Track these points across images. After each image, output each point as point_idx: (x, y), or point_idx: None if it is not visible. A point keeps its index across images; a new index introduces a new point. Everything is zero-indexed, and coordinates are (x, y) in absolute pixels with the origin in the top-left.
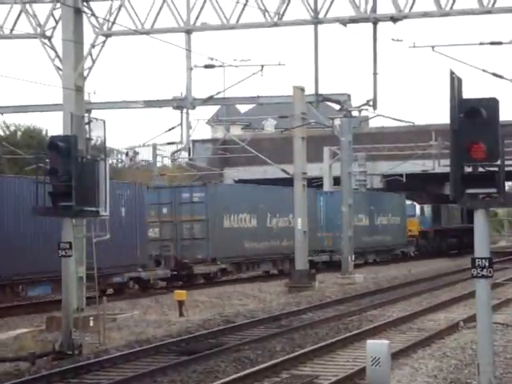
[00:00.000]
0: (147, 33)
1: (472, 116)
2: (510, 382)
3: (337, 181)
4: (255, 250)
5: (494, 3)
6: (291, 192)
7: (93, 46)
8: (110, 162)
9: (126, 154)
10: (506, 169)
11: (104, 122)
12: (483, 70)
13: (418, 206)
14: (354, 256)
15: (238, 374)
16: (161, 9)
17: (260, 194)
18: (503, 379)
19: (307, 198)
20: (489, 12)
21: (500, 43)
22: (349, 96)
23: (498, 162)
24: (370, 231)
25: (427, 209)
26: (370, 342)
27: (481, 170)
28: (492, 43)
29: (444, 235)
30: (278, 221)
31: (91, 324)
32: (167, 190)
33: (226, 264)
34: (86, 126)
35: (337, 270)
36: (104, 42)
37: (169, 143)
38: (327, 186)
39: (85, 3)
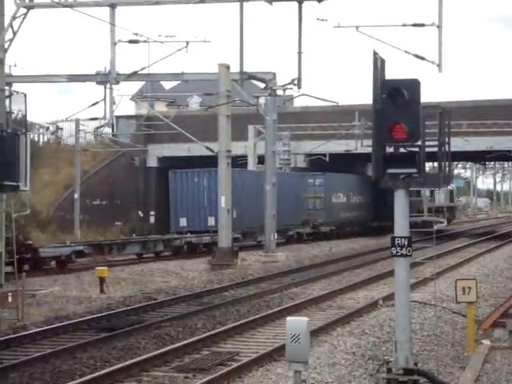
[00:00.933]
0: (70, 6)
1: (394, 97)
2: (427, 358)
3: (261, 159)
4: (346, 218)
5: None
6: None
7: (14, 17)
8: (32, 136)
9: (47, 129)
10: (427, 150)
11: (25, 95)
12: (406, 52)
13: None
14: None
15: (159, 351)
16: None
17: (348, 180)
18: (419, 356)
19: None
20: None
21: (422, 25)
22: (274, 75)
23: (419, 143)
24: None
25: None
26: (289, 319)
27: (402, 150)
28: (415, 25)
29: None
30: (355, 198)
31: (10, 300)
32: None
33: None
34: (7, 100)
35: (260, 248)
36: (26, 14)
37: (92, 119)
38: (251, 164)
39: None
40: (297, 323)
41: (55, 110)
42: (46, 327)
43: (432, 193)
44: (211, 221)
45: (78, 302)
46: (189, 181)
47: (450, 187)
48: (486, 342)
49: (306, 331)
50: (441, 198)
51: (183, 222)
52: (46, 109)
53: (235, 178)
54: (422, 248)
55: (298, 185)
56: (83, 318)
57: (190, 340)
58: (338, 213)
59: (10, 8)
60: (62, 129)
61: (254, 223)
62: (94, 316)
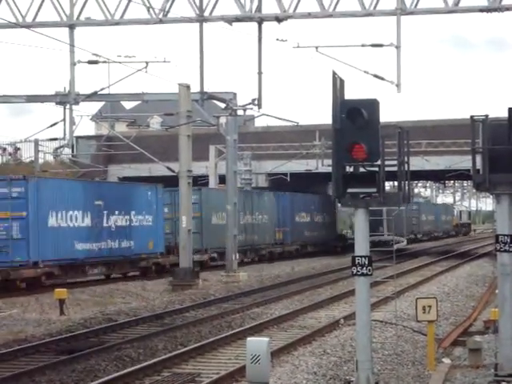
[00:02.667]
0: (28, 26)
1: (353, 116)
2: (388, 377)
3: (222, 179)
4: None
5: (375, 6)
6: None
7: None
8: None
9: (4, 150)
10: (386, 169)
11: None
12: (365, 72)
13: None
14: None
15: (119, 373)
16: (43, 2)
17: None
18: (381, 375)
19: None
20: (370, 15)
21: (381, 45)
22: (234, 95)
23: (379, 163)
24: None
25: None
26: (249, 339)
27: (362, 169)
28: (373, 45)
29: None
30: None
31: None
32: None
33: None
34: None
35: (222, 268)
36: None
37: (51, 139)
38: (212, 184)
39: None
40: (257, 344)
41: (9, 131)
42: (4, 350)
43: (460, 213)
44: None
45: (38, 325)
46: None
47: (467, 209)
48: (447, 361)
49: (267, 352)
50: (465, 216)
51: None
52: (5, 129)
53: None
54: (383, 267)
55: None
56: (42, 341)
57: (150, 361)
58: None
59: None
60: (19, 149)
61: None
62: (54, 338)
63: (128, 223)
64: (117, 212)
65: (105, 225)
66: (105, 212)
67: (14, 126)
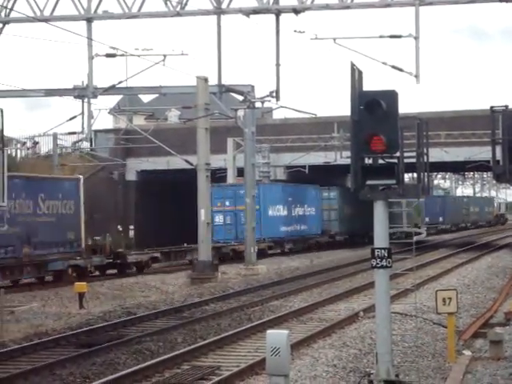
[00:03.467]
0: (46, 20)
1: (372, 108)
2: (408, 370)
3: (240, 172)
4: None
5: None
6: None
7: None
8: (9, 151)
9: (23, 144)
10: (406, 161)
11: (2, 110)
12: (383, 63)
13: None
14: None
15: (139, 366)
16: None
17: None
18: (401, 368)
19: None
20: (388, 5)
21: (399, 36)
22: (252, 87)
23: (398, 154)
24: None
25: None
26: (269, 332)
27: (380, 161)
28: (391, 36)
29: None
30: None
31: None
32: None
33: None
34: None
35: (241, 261)
36: (1, 28)
37: (70, 133)
38: (231, 177)
39: None
40: (277, 336)
41: (25, 125)
42: (24, 344)
43: (500, 205)
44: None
45: (58, 318)
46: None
47: (504, 201)
48: (467, 353)
49: (286, 344)
50: (503, 208)
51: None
52: (15, 124)
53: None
54: (402, 259)
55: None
56: (62, 334)
57: (170, 354)
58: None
59: None
60: (38, 143)
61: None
62: (74, 332)
63: (303, 213)
64: (298, 205)
65: (292, 214)
66: (292, 205)
67: (30, 119)
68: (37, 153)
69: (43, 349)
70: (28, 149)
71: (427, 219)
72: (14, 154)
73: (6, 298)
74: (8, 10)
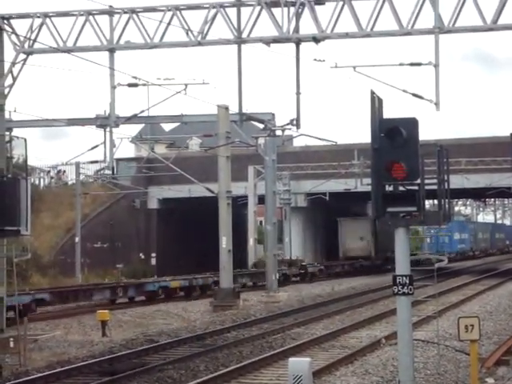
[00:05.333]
0: (69, 51)
1: (392, 135)
2: None
3: (261, 199)
4: None
5: (413, 25)
6: None
7: (13, 63)
8: (32, 180)
9: (48, 173)
10: (426, 187)
11: (25, 140)
12: (403, 91)
13: None
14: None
15: None
16: (83, 27)
17: None
18: None
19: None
20: (408, 33)
21: (419, 64)
22: (272, 115)
23: (418, 181)
24: None
25: None
26: (291, 359)
27: (401, 188)
28: (411, 64)
29: None
30: None
31: (11, 345)
32: None
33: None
34: (7, 145)
35: (262, 288)
36: (25, 59)
37: (92, 162)
38: (252, 204)
39: (5, 21)
40: (299, 364)
41: (42, 154)
42: (48, 372)
43: None
44: None
45: (80, 346)
46: None
47: None
48: (490, 381)
49: (309, 372)
50: None
51: None
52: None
53: None
54: (424, 286)
55: None
56: (85, 362)
57: (192, 382)
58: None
59: (9, 54)
60: (64, 171)
61: None
62: (96, 360)
63: None
64: None
65: None
66: None
67: (46, 149)
68: (63, 181)
69: (66, 377)
70: (52, 178)
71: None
72: (37, 183)
73: (29, 326)
74: (32, 42)
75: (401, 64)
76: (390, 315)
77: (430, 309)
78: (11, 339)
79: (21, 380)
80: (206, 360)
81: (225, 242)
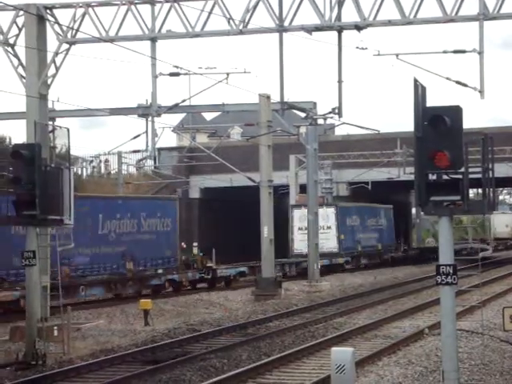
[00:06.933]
0: (111, 40)
1: (436, 124)
2: None
3: (303, 188)
4: None
5: (457, 12)
6: None
7: (56, 53)
8: (75, 170)
9: (91, 162)
10: (470, 176)
11: (68, 130)
12: (447, 78)
13: None
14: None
15: (204, 383)
16: (125, 16)
17: None
18: None
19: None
20: (452, 20)
21: (463, 51)
22: (314, 104)
23: (462, 170)
24: None
25: None
26: (334, 349)
27: (445, 177)
28: (455, 51)
29: None
30: None
31: (55, 334)
32: None
33: None
34: (50, 134)
35: (304, 277)
36: (68, 49)
37: (134, 151)
38: (293, 194)
39: (48, 11)
40: (342, 353)
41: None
42: (91, 361)
43: None
44: None
45: (123, 335)
46: None
47: None
48: None
49: (352, 361)
50: None
51: None
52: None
53: None
54: (468, 276)
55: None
56: (128, 351)
57: (235, 371)
58: None
59: (52, 44)
60: (108, 161)
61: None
62: (139, 349)
63: None
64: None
65: None
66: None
67: (84, 138)
68: (109, 170)
69: (109, 365)
70: (94, 167)
71: None
72: (79, 173)
73: (73, 315)
74: (74, 31)
75: (444, 51)
76: (433, 305)
77: (474, 299)
78: (55, 328)
79: (65, 368)
80: (248, 349)
81: (266, 232)
